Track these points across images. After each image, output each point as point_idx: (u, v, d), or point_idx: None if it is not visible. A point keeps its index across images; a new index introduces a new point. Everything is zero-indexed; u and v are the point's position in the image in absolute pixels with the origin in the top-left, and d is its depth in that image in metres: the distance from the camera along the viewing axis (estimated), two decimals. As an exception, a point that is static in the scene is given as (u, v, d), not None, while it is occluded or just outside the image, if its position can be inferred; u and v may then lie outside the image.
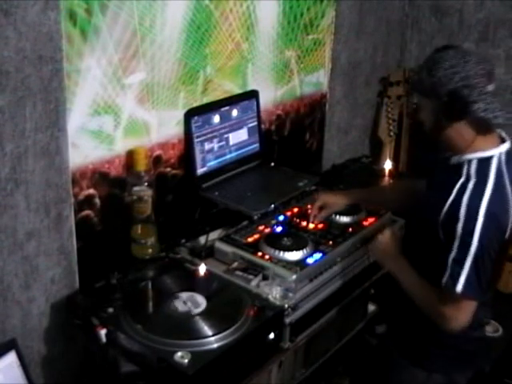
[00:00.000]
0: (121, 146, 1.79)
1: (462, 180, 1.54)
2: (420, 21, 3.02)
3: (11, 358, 1.51)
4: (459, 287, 1.50)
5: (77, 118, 1.65)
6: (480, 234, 1.48)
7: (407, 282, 1.65)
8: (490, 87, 1.49)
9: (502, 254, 1.63)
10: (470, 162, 1.55)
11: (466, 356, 1.72)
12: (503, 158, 1.56)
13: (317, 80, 2.55)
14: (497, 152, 1.55)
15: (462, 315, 1.55)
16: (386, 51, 2.98)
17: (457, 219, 1.50)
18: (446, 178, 1.59)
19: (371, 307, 2.18)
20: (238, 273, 1.75)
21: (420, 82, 1.56)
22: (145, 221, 1.81)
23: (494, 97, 1.49)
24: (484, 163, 1.55)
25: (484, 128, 1.55)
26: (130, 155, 1.80)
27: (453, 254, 1.51)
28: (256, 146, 2.24)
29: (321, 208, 1.99)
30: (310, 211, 2.00)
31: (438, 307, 1.57)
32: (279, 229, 1.95)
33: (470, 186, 1.52)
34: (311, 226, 1.97)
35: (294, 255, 1.79)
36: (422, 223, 1.64)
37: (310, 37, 2.42)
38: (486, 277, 1.53)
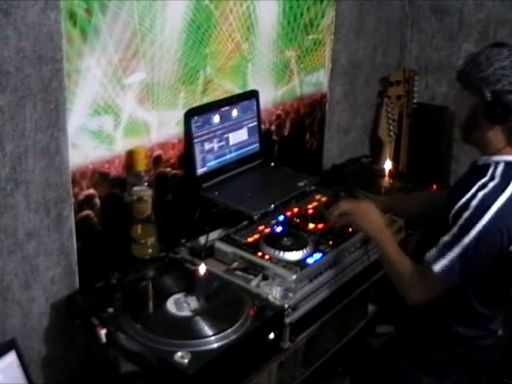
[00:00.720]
0: (121, 146, 1.79)
1: (484, 179, 1.52)
2: (420, 21, 3.02)
3: (11, 358, 1.51)
4: (437, 267, 1.50)
5: (77, 118, 1.65)
6: (480, 229, 1.47)
7: (387, 247, 1.64)
8: None
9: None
10: (497, 164, 1.54)
11: (475, 364, 1.71)
12: None
13: (317, 80, 2.55)
14: None
15: (426, 292, 1.55)
16: (386, 51, 2.98)
17: (466, 208, 1.49)
18: (470, 178, 1.57)
19: (371, 307, 2.18)
20: (238, 273, 1.75)
21: (467, 75, 1.52)
22: (145, 221, 1.81)
23: None
24: (511, 167, 1.53)
25: None
26: (130, 155, 1.80)
27: (446, 238, 1.51)
28: (256, 146, 2.23)
29: (340, 215, 1.91)
30: (330, 218, 1.93)
31: (407, 276, 1.56)
32: (279, 229, 1.95)
33: (491, 184, 1.51)
34: (311, 225, 1.97)
35: (293, 255, 1.79)
36: (437, 224, 1.60)
37: (310, 37, 2.42)
38: (468, 272, 1.51)
